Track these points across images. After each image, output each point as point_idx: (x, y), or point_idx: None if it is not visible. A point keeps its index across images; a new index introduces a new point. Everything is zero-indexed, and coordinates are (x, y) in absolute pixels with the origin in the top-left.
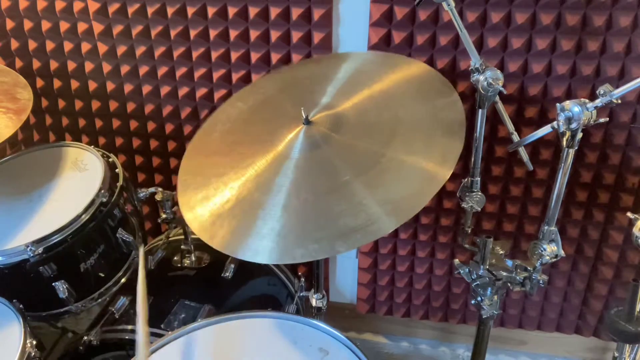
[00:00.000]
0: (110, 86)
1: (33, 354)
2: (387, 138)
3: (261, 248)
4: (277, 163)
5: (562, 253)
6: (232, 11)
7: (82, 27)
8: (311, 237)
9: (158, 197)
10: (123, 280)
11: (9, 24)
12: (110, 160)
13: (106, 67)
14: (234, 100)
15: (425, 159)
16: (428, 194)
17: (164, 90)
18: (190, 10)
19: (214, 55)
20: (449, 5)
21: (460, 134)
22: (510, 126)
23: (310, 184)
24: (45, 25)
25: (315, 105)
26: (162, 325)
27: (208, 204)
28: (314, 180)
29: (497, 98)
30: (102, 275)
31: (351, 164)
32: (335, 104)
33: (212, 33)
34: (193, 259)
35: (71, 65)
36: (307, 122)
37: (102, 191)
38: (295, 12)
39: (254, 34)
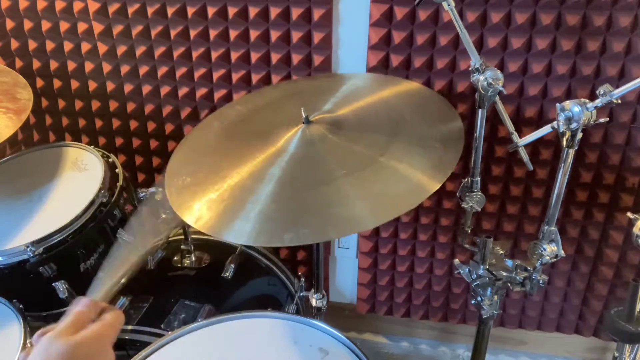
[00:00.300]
0: (110, 86)
1: None
2: (383, 145)
3: (247, 230)
4: (272, 156)
5: (562, 253)
6: (232, 11)
7: (82, 27)
8: (299, 222)
9: (158, 197)
10: (123, 280)
11: (9, 24)
12: (110, 160)
13: (106, 67)
14: (233, 104)
15: (417, 169)
16: (414, 201)
17: (164, 90)
18: (190, 10)
19: (214, 55)
20: (449, 5)
21: (455, 154)
22: (510, 126)
23: (303, 176)
24: (45, 25)
25: (317, 110)
26: (162, 325)
27: (197, 189)
28: (307, 173)
29: (497, 98)
30: None
31: (345, 164)
32: (336, 109)
33: (212, 33)
34: (193, 259)
35: (71, 65)
36: (307, 121)
37: (102, 191)
38: (295, 12)
39: (254, 34)
